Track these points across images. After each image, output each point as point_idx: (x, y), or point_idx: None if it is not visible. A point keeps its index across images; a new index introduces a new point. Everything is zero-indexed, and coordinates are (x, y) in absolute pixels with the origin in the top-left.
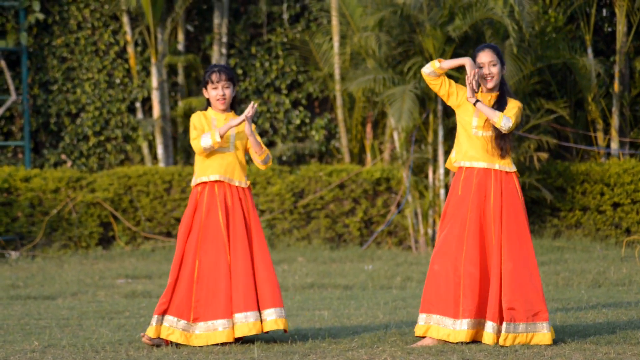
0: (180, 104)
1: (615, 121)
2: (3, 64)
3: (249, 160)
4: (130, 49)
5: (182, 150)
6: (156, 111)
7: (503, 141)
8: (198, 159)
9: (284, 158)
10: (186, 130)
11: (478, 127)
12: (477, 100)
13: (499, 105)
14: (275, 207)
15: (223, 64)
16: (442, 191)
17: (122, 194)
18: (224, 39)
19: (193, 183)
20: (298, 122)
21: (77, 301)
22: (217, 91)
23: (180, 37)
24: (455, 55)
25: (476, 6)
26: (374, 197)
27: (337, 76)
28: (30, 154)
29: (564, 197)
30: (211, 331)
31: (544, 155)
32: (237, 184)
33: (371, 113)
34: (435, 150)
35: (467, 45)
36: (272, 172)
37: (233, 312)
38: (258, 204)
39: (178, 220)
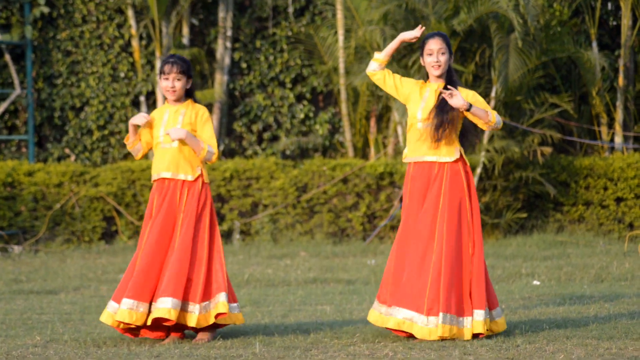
0: None
1: (619, 115)
2: (8, 57)
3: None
4: (134, 43)
5: None
6: (160, 105)
7: (439, 131)
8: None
9: (288, 152)
10: None
11: (422, 120)
12: (471, 105)
13: (447, 89)
14: (279, 202)
15: (179, 56)
16: None
17: (126, 188)
18: (229, 33)
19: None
20: (302, 116)
21: (80, 296)
22: (167, 82)
23: (185, 30)
24: (460, 49)
25: (481, 0)
26: (378, 191)
27: (341, 70)
28: (34, 148)
29: (567, 192)
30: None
31: (548, 150)
32: (182, 177)
33: (375, 107)
34: None
35: (472, 39)
36: (276, 167)
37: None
38: (261, 198)
39: None
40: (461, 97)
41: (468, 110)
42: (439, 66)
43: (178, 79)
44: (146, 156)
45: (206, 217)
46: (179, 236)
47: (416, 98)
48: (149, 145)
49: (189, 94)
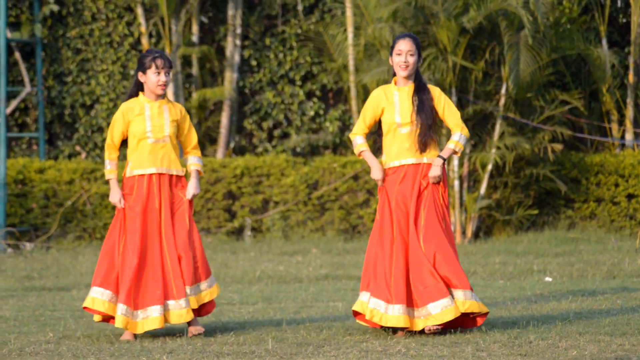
0: (195, 95)
1: (629, 112)
2: (18, 55)
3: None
4: (144, 41)
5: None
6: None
7: (426, 137)
8: (131, 151)
9: (298, 149)
10: (200, 122)
11: (403, 125)
12: (444, 160)
13: (419, 92)
14: (289, 199)
15: (161, 50)
16: (456, 182)
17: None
18: (238, 30)
19: (129, 174)
20: (312, 113)
21: None
22: (159, 77)
23: (195, 28)
24: (469, 47)
25: None
26: None
27: (351, 67)
28: (45, 146)
29: (579, 189)
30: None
31: (558, 147)
32: (174, 172)
33: None
34: None
35: (482, 36)
36: (286, 164)
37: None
38: (272, 195)
39: None
40: (438, 169)
41: (444, 160)
42: (407, 67)
43: (167, 73)
44: None
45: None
46: (172, 232)
47: (388, 105)
48: (123, 139)
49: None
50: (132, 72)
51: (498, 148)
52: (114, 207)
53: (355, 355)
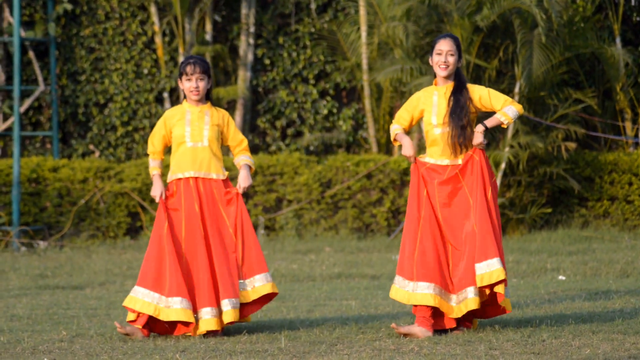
0: None
1: None
2: (31, 54)
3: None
4: (158, 39)
5: None
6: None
7: (458, 139)
8: (172, 156)
9: (312, 148)
10: None
11: (438, 125)
12: (485, 128)
13: (456, 92)
14: (303, 197)
15: (199, 56)
16: None
17: (150, 184)
18: (252, 29)
19: (169, 178)
20: (325, 112)
21: (105, 291)
22: (190, 83)
23: (208, 27)
24: (483, 45)
25: None
26: (402, 187)
27: (364, 66)
28: (59, 144)
29: (592, 187)
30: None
31: (572, 145)
32: (214, 176)
33: (398, 103)
34: None
35: (495, 34)
36: (300, 162)
37: (219, 300)
38: (285, 194)
39: None
40: (480, 136)
41: (487, 129)
42: (447, 67)
43: (201, 79)
44: (169, 151)
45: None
46: (216, 236)
47: (427, 106)
48: (167, 145)
49: (207, 96)
50: (145, 71)
51: (512, 147)
52: (153, 202)
53: (368, 354)
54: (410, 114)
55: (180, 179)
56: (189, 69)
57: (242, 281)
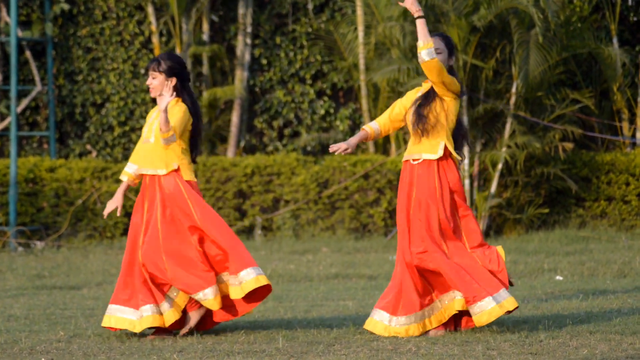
0: (205, 94)
1: None
2: (28, 54)
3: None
4: (155, 39)
5: (206, 140)
6: None
7: (420, 124)
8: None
9: (309, 148)
10: (211, 121)
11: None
12: (422, 17)
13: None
14: (300, 198)
15: (168, 54)
16: (466, 181)
17: None
18: (249, 29)
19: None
20: (322, 112)
21: (103, 291)
22: (148, 80)
23: (205, 27)
24: (480, 45)
25: None
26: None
27: (361, 66)
28: (56, 144)
29: (589, 187)
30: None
31: (569, 145)
32: (159, 172)
33: None
34: None
35: (492, 34)
36: (297, 163)
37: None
38: (283, 194)
39: None
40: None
41: (417, 18)
42: None
43: (153, 77)
44: None
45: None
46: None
47: (409, 101)
48: None
49: (178, 93)
50: (142, 71)
51: (509, 147)
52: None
53: (366, 354)
54: (396, 111)
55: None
56: (149, 65)
57: (227, 275)
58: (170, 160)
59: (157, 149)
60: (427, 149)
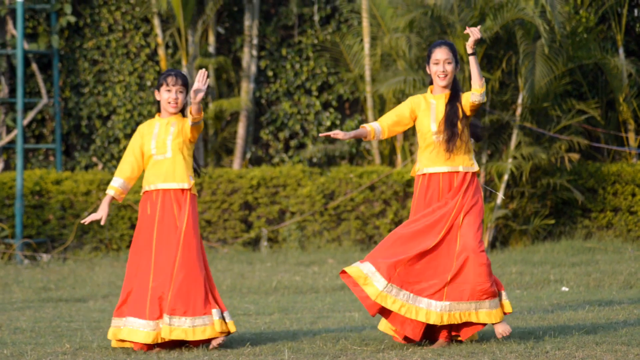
0: (211, 105)
1: None
2: (35, 66)
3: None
4: (161, 52)
5: (212, 152)
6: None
7: (451, 142)
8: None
9: (315, 160)
10: (217, 133)
11: (436, 133)
12: (474, 53)
13: (452, 102)
14: (306, 209)
15: (179, 70)
16: None
17: None
18: (255, 41)
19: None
20: (328, 123)
21: (108, 303)
22: (170, 94)
23: (211, 39)
24: (486, 56)
25: (507, 7)
26: (405, 198)
27: (367, 78)
28: (62, 157)
29: (595, 198)
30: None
31: (575, 156)
32: (177, 187)
33: None
34: None
35: (498, 46)
36: (303, 174)
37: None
38: (288, 205)
39: (209, 222)
40: (477, 31)
41: (471, 55)
42: (445, 76)
43: (180, 92)
44: None
45: (197, 228)
46: (181, 248)
47: (424, 111)
48: (140, 168)
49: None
50: (148, 83)
51: (514, 158)
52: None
53: None
54: (401, 115)
55: (149, 191)
56: (170, 79)
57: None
58: (190, 173)
59: (176, 163)
60: (459, 163)
